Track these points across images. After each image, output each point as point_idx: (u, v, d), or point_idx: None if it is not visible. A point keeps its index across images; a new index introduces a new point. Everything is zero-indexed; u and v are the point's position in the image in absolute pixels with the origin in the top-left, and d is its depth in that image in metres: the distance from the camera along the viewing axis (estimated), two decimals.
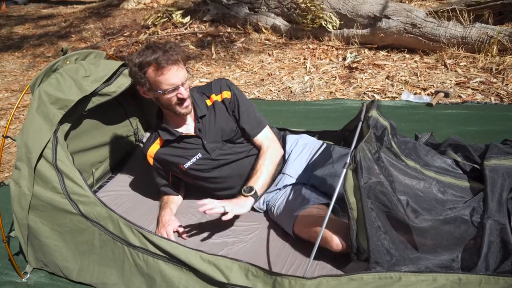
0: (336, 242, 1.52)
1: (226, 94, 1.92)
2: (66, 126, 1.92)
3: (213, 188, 1.97)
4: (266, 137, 1.94)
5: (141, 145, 2.67)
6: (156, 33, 5.63)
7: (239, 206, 1.73)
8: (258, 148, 1.94)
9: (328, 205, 1.70)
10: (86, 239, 1.74)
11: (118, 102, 2.48)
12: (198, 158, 1.88)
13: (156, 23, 5.76)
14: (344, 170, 1.46)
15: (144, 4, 6.94)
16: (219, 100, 1.91)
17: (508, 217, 1.45)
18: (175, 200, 2.05)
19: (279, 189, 1.93)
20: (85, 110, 2.01)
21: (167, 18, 5.89)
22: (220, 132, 1.89)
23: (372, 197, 1.45)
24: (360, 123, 1.64)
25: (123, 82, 2.11)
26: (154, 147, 1.93)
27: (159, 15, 5.89)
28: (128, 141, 2.60)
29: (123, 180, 2.42)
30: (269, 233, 1.83)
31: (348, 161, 1.46)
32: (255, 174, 1.83)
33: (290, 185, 1.91)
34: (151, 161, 1.94)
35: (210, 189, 1.98)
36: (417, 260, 1.46)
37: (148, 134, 2.77)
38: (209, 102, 1.92)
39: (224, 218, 1.67)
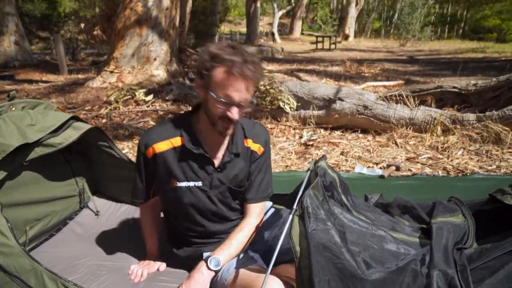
0: None
1: (258, 149, 1.72)
2: (1, 174, 1.79)
3: (179, 222, 1.78)
4: (255, 210, 1.75)
5: (88, 209, 2.52)
6: (117, 108, 5.67)
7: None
8: (244, 213, 1.77)
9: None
10: None
11: (65, 158, 2.38)
12: (196, 185, 1.65)
13: (119, 99, 5.84)
14: (290, 217, 1.40)
15: (109, 83, 7.08)
16: (251, 148, 1.71)
17: (455, 267, 1.42)
18: (151, 233, 1.89)
19: None
20: (26, 160, 1.90)
21: (130, 96, 5.99)
22: (232, 179, 1.69)
23: (320, 246, 1.38)
24: (309, 172, 1.63)
25: (71, 134, 2.04)
26: (165, 145, 1.62)
27: (122, 92, 6.00)
28: (71, 201, 2.43)
29: (61, 241, 2.21)
30: None
31: (294, 207, 1.42)
32: (227, 243, 1.65)
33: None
34: (150, 154, 1.63)
35: (177, 221, 1.79)
36: None
37: (96, 198, 2.64)
38: (245, 143, 1.71)
39: None
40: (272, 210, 1.96)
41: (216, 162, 1.66)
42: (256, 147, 1.72)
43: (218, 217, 1.75)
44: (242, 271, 1.53)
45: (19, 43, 11.80)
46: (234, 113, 1.48)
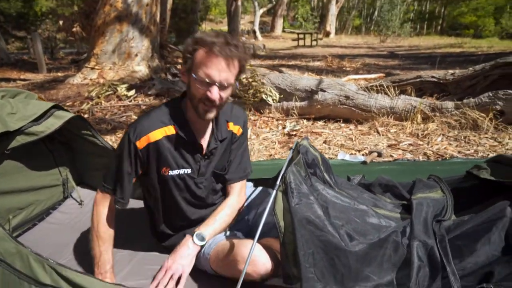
0: (262, 261, 1.41)
1: (238, 131, 1.76)
2: None
3: (164, 213, 1.78)
4: (236, 189, 1.80)
5: (72, 199, 2.50)
6: (99, 104, 5.61)
7: (188, 262, 1.55)
8: (226, 193, 1.81)
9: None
10: None
11: (48, 148, 2.36)
12: (185, 172, 1.66)
13: (100, 95, 5.78)
14: (274, 192, 1.43)
15: (90, 79, 7.00)
16: (232, 131, 1.75)
17: (434, 237, 1.47)
18: (112, 236, 1.69)
19: None
20: (7, 148, 1.89)
21: (112, 91, 5.94)
22: (216, 164, 1.73)
23: (303, 220, 1.40)
24: (291, 150, 1.66)
25: (53, 123, 2.03)
26: (160, 133, 1.58)
27: (104, 88, 5.94)
28: (55, 191, 2.42)
29: (45, 230, 2.20)
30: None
31: (277, 182, 1.44)
32: (211, 219, 1.68)
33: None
34: (142, 144, 1.56)
35: (163, 212, 1.77)
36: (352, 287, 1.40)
37: (79, 188, 2.62)
38: (227, 127, 1.74)
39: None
40: (256, 190, 1.98)
41: (204, 149, 1.68)
42: (236, 129, 1.76)
43: (204, 202, 1.78)
44: (224, 242, 1.56)
45: None
46: (214, 92, 1.48)
